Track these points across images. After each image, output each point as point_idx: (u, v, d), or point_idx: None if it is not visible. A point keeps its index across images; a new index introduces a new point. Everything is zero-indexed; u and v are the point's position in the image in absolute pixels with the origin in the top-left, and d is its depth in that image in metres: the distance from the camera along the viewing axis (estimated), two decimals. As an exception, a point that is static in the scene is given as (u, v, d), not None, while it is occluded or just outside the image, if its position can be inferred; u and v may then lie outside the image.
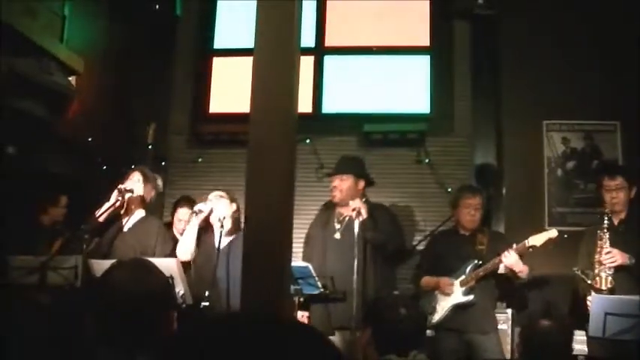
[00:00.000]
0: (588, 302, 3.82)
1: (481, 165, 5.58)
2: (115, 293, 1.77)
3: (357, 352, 2.87)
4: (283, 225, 2.63)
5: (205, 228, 4.36)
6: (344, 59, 5.94)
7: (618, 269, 3.93)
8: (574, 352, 4.01)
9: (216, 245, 4.08)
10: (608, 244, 3.95)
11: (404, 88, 5.77)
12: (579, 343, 4.07)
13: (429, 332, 4.13)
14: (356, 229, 4.11)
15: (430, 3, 5.83)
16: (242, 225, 3.68)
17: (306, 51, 5.33)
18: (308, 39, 5.68)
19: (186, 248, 4.23)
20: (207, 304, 3.86)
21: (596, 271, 3.95)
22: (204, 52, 6.09)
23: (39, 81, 4.69)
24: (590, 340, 3.83)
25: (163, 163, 5.75)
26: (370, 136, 5.60)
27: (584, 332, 3.87)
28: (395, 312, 2.37)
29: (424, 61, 5.77)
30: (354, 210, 4.19)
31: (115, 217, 4.22)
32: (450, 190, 5.29)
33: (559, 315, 2.46)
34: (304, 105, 5.12)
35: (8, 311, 2.86)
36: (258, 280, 2.53)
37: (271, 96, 2.66)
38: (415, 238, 5.36)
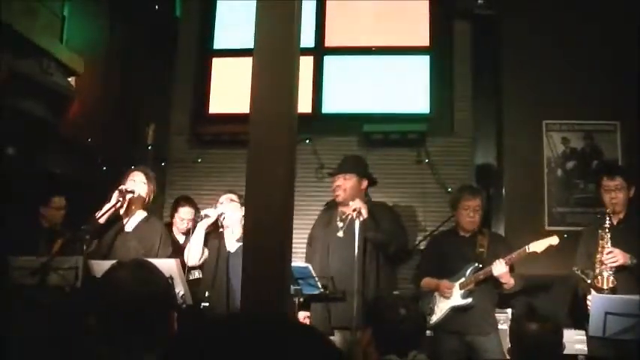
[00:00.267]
0: (588, 302, 3.82)
1: (481, 165, 5.58)
2: (117, 293, 1.77)
3: (357, 352, 2.87)
4: (283, 225, 2.62)
5: (210, 232, 4.38)
6: (344, 59, 5.94)
7: (619, 269, 3.93)
8: (574, 352, 4.03)
9: (227, 249, 4.10)
10: (609, 244, 3.95)
11: (404, 89, 5.77)
12: (579, 342, 4.08)
13: (428, 333, 4.13)
14: (356, 229, 4.11)
15: (430, 3, 5.83)
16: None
17: (306, 51, 5.34)
18: (308, 39, 5.68)
19: (195, 253, 4.31)
20: (207, 304, 3.87)
21: (598, 270, 3.95)
22: (204, 52, 6.09)
23: (39, 81, 4.69)
24: (591, 340, 3.84)
25: (163, 164, 5.75)
26: (370, 136, 5.60)
27: (584, 332, 3.87)
28: (395, 312, 2.37)
29: (424, 62, 5.78)
30: (354, 210, 4.18)
31: (115, 218, 4.21)
32: (450, 190, 5.29)
33: (544, 315, 2.44)
34: (304, 105, 5.14)
35: (8, 311, 2.86)
36: (258, 280, 2.53)
37: (271, 96, 2.65)
38: (416, 239, 5.36)
